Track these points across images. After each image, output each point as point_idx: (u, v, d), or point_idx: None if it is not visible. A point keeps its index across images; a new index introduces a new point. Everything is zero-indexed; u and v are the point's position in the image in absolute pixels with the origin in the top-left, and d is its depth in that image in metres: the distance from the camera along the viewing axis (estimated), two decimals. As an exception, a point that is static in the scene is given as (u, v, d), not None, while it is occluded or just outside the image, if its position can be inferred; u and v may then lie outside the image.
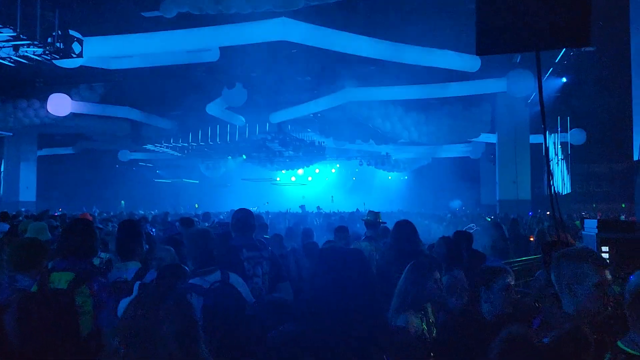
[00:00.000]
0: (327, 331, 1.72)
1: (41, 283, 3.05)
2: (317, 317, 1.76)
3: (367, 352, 1.72)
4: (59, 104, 16.90)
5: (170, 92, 18.47)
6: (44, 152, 25.69)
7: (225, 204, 24.02)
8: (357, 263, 1.86)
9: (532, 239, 10.56)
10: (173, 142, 21.97)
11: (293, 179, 34.26)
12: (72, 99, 17.43)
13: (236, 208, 4.71)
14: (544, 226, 11.49)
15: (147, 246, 4.45)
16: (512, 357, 1.62)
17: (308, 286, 1.96)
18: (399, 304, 2.98)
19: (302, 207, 19.28)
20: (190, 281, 3.14)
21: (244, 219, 4.24)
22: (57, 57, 11.39)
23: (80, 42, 11.52)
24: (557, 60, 14.54)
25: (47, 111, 17.24)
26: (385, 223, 6.00)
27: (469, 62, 14.71)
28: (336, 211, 19.45)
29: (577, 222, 7.70)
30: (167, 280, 3.07)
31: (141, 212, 19.32)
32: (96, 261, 4.52)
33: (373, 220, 5.76)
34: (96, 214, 14.83)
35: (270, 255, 4.30)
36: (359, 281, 1.80)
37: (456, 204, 24.18)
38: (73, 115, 18.52)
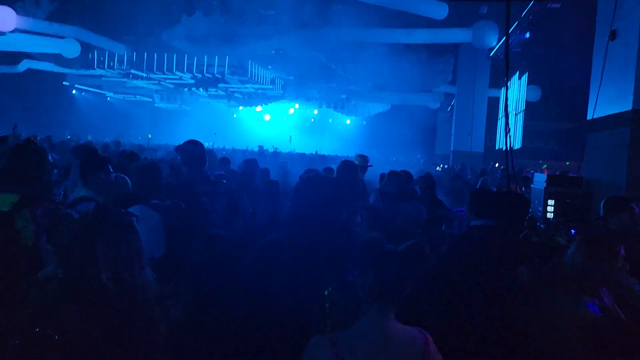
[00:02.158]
0: (306, 239, 2.12)
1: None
2: (297, 228, 2.16)
3: (336, 256, 2.09)
4: (2, 18, 15.63)
5: (125, 14, 17.38)
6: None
7: (181, 136, 23.39)
8: (330, 188, 2.26)
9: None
10: (126, 69, 20.89)
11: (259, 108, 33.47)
12: (16, 13, 16.15)
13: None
14: (487, 178, 11.89)
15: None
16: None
17: (291, 204, 2.35)
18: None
19: (260, 146, 19.14)
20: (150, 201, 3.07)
21: (197, 151, 3.96)
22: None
23: (27, -51, 10.57)
24: (522, 15, 14.57)
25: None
26: (372, 166, 6.26)
27: (437, 8, 14.55)
28: (292, 152, 19.34)
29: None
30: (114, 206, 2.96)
31: (90, 138, 18.58)
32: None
33: (361, 164, 5.98)
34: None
35: (226, 190, 4.20)
36: (331, 203, 2.20)
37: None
38: (17, 31, 17.21)
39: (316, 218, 2.15)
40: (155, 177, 3.29)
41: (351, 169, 4.90)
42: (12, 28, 16.14)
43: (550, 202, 6.25)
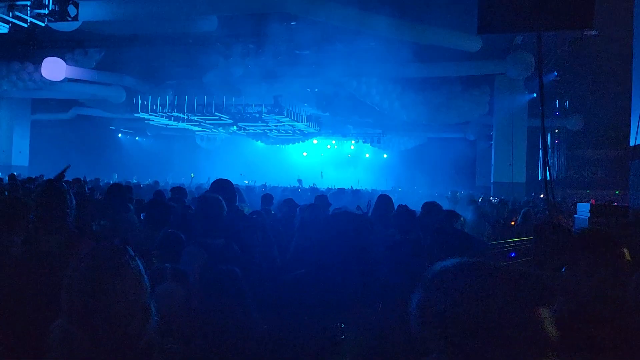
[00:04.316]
0: (327, 276, 2.13)
1: (30, 242, 2.92)
2: (321, 265, 2.19)
3: (355, 293, 2.12)
4: (54, 69, 16.63)
5: (166, 60, 18.21)
6: (38, 116, 25.42)
7: (220, 175, 23.79)
8: (355, 226, 2.24)
9: (513, 224, 10.50)
10: (168, 112, 21.72)
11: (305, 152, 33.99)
12: (66, 63, 17.15)
13: (235, 179, 4.51)
14: (529, 209, 11.43)
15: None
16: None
17: (315, 240, 2.37)
18: None
19: (299, 181, 19.22)
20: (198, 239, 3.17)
21: (230, 188, 4.07)
22: (52, 19, 11.18)
23: (76, 5, 11.28)
24: (559, 44, 14.41)
25: (42, 75, 16.97)
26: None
27: (470, 42, 14.56)
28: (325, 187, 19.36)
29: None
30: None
31: (135, 180, 19.23)
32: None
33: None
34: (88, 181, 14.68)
35: (261, 225, 4.26)
36: (354, 240, 2.18)
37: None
38: (67, 81, 18.25)
39: (327, 254, 2.18)
40: (218, 212, 3.32)
41: (386, 204, 5.05)
42: (62, 78, 17.12)
43: (595, 232, 5.99)
